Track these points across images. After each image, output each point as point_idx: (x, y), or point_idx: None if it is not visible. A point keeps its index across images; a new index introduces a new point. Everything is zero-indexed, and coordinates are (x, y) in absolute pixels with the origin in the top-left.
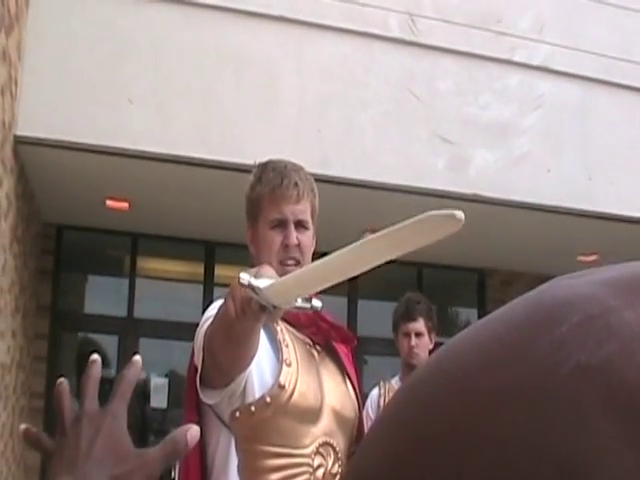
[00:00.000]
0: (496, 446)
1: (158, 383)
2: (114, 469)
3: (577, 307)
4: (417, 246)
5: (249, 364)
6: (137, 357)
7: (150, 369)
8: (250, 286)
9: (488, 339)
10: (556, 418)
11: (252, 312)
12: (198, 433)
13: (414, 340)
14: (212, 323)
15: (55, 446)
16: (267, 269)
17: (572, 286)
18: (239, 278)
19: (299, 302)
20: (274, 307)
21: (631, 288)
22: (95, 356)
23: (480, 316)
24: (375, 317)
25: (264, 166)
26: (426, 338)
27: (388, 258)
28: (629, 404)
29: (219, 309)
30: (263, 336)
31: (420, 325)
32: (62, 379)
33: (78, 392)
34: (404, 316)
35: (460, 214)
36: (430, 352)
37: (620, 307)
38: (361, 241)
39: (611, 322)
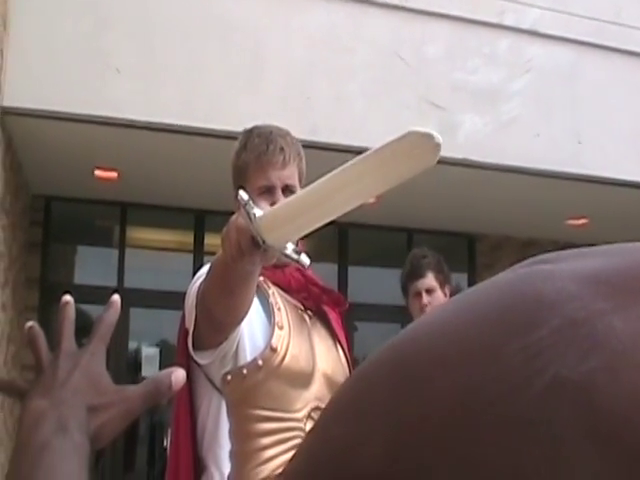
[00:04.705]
0: (460, 464)
1: (149, 353)
2: (92, 400)
3: (559, 307)
4: (400, 175)
5: (243, 317)
6: (115, 297)
7: (141, 339)
8: (247, 205)
9: (452, 335)
10: (526, 440)
11: (245, 243)
12: (184, 377)
13: (425, 298)
14: (205, 277)
15: (32, 383)
16: (264, 204)
17: (555, 278)
18: (238, 195)
19: (289, 250)
20: (264, 242)
21: (623, 286)
22: (67, 297)
23: (470, 281)
24: (366, 283)
25: (249, 132)
26: (439, 293)
27: (374, 188)
28: (613, 434)
29: (211, 264)
30: (255, 299)
31: (430, 280)
32: (32, 322)
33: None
34: (410, 275)
35: (438, 137)
36: None
37: (608, 311)
38: (345, 164)
39: (597, 330)
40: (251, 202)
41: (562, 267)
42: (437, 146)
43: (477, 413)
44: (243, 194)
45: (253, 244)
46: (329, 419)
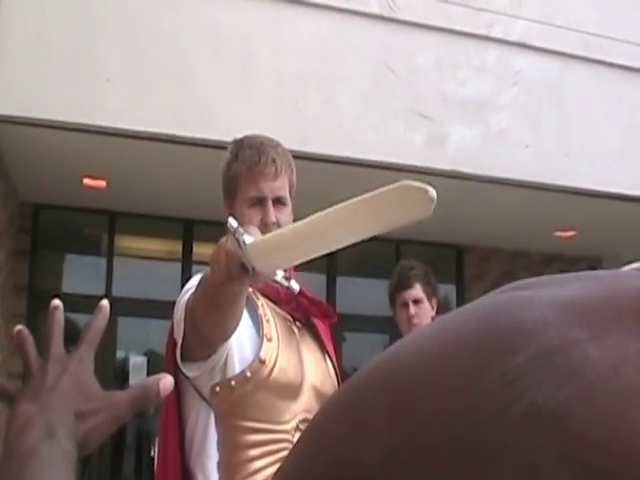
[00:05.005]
0: None
1: (137, 362)
2: (80, 405)
3: (535, 335)
4: (392, 222)
5: (232, 333)
6: (104, 302)
7: (128, 348)
8: (236, 232)
9: (435, 358)
10: (504, 467)
11: (234, 269)
12: (171, 383)
13: (412, 309)
14: (194, 292)
15: (20, 388)
16: (253, 229)
17: (532, 305)
18: (227, 222)
19: (279, 276)
20: (253, 269)
21: (599, 316)
22: (56, 302)
23: (458, 292)
24: (354, 294)
25: (240, 143)
26: (426, 304)
27: (365, 231)
28: (588, 461)
29: (200, 279)
30: (244, 311)
31: (417, 291)
32: (20, 326)
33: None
34: (398, 285)
35: (433, 191)
36: (433, 321)
37: (584, 340)
38: (339, 205)
39: (572, 358)
40: (240, 229)
41: (540, 294)
42: (430, 201)
43: (458, 439)
44: (232, 221)
45: (242, 269)
46: (318, 432)
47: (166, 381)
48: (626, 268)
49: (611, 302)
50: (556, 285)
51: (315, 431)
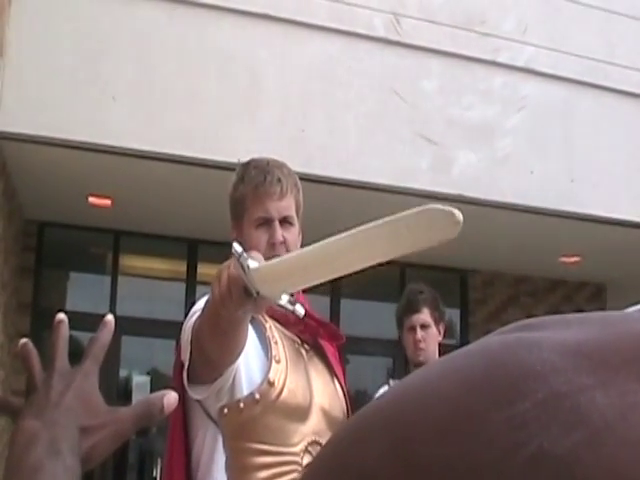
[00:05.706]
0: None
1: (140, 381)
2: (84, 421)
3: (543, 380)
4: (411, 246)
5: (237, 357)
6: (109, 317)
7: (132, 367)
8: (241, 258)
9: (441, 400)
10: None
11: (237, 292)
12: (176, 400)
13: (420, 333)
14: (200, 315)
15: (25, 403)
16: (256, 254)
17: (540, 348)
18: (232, 247)
19: (284, 300)
20: (258, 293)
21: (606, 361)
22: (61, 315)
23: (462, 316)
24: (358, 316)
25: (246, 165)
26: (433, 329)
27: (380, 256)
28: None
29: (206, 303)
30: (252, 333)
31: (425, 316)
32: (25, 339)
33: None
34: (406, 309)
35: (459, 215)
36: (439, 346)
37: (591, 386)
38: (354, 230)
39: (580, 404)
40: (245, 254)
41: (547, 336)
42: (457, 224)
43: None
44: (237, 246)
45: (245, 294)
46: (324, 466)
47: (170, 397)
48: (632, 309)
49: (617, 347)
50: (562, 327)
51: (321, 463)
